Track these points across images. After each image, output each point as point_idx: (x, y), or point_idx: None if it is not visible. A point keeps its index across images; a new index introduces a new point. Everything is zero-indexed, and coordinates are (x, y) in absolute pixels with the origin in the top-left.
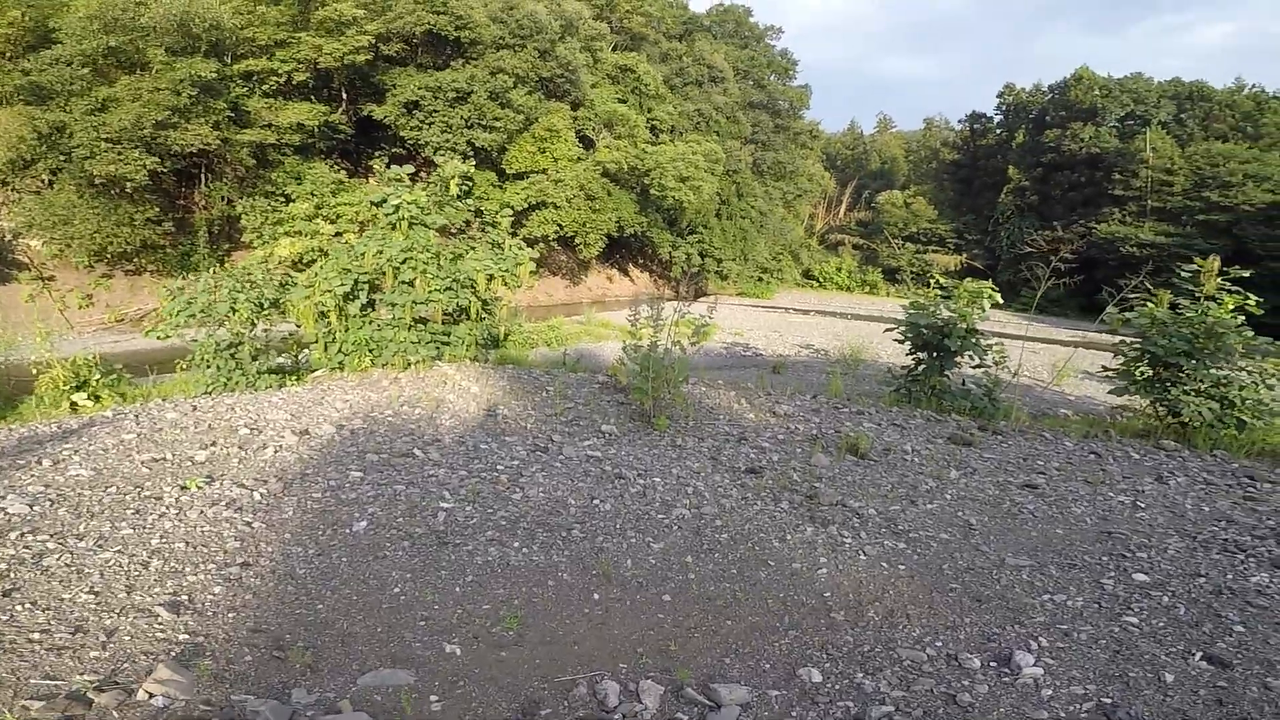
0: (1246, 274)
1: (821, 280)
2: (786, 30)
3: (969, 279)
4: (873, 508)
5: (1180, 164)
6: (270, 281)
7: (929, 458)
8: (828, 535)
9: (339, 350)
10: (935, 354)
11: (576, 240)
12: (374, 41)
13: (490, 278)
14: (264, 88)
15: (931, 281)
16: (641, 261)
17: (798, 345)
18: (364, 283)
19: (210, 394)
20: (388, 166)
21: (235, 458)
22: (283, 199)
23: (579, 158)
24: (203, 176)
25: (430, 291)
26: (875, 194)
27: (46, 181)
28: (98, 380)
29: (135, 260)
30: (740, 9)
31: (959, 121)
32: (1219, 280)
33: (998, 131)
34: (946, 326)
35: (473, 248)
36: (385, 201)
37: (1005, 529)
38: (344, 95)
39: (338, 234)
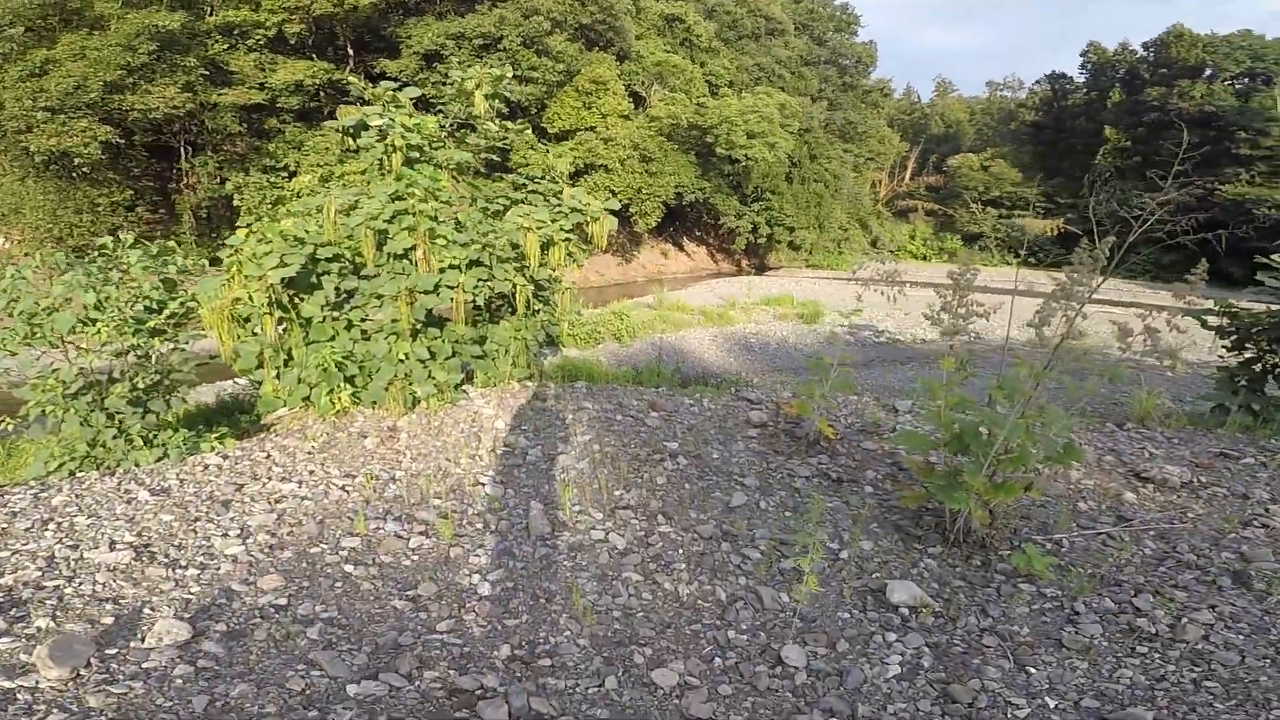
0: None
1: (893, 250)
2: None
3: None
4: None
5: None
6: (172, 267)
7: None
8: None
9: (297, 379)
10: None
11: (631, 210)
12: None
13: (547, 244)
14: (249, 42)
15: None
16: (698, 234)
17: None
18: (328, 260)
19: (53, 476)
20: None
21: None
22: (284, 174)
23: (629, 115)
24: (182, 151)
25: (445, 269)
26: (942, 159)
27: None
28: None
29: None
30: None
31: (1035, 83)
32: None
33: (1084, 92)
34: None
35: (517, 200)
36: (363, 127)
37: None
38: (350, 51)
39: None
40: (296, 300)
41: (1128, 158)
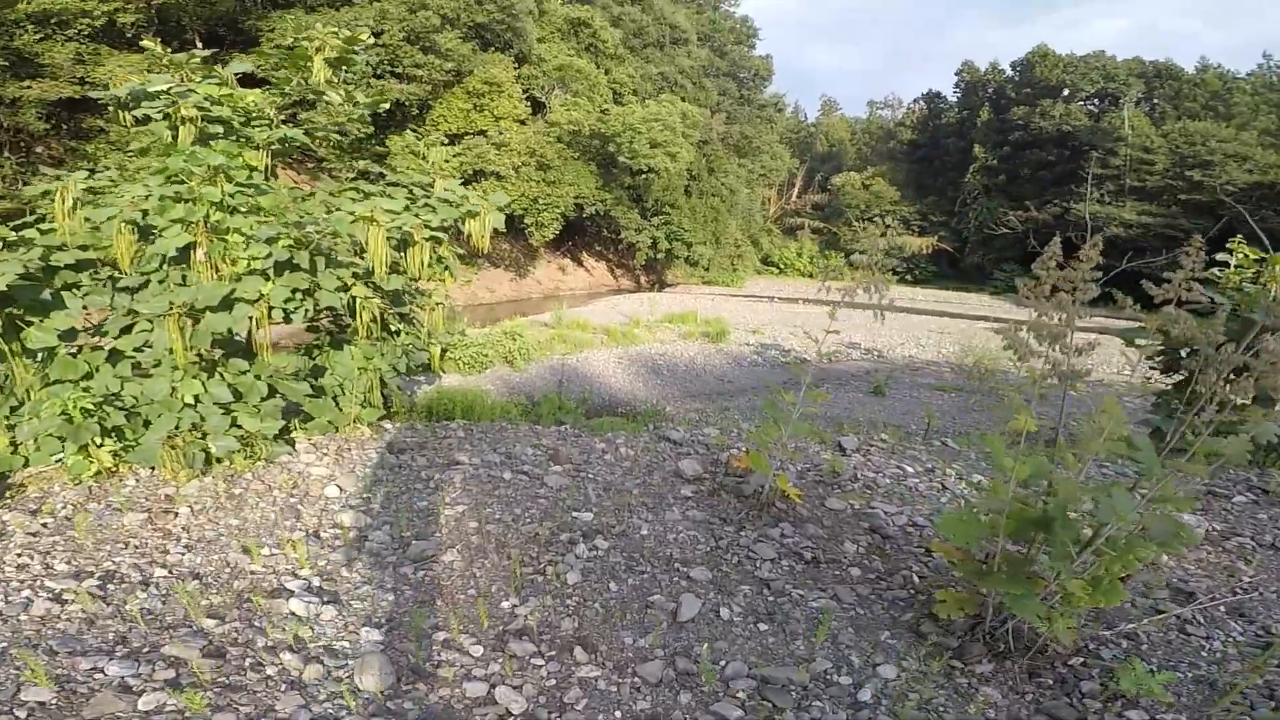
0: None
1: (781, 266)
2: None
3: None
4: None
5: (1159, 143)
6: None
7: None
8: None
9: (44, 431)
10: None
11: (527, 221)
12: None
13: (402, 244)
14: (69, 32)
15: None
16: (598, 249)
17: (838, 345)
18: (71, 268)
19: None
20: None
21: None
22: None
23: (526, 119)
24: None
25: (243, 273)
26: (826, 177)
27: None
28: None
29: None
30: None
31: (913, 101)
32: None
33: (957, 110)
34: None
35: (371, 192)
36: (144, 94)
37: None
38: (200, 45)
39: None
40: (19, 324)
41: (994, 175)
